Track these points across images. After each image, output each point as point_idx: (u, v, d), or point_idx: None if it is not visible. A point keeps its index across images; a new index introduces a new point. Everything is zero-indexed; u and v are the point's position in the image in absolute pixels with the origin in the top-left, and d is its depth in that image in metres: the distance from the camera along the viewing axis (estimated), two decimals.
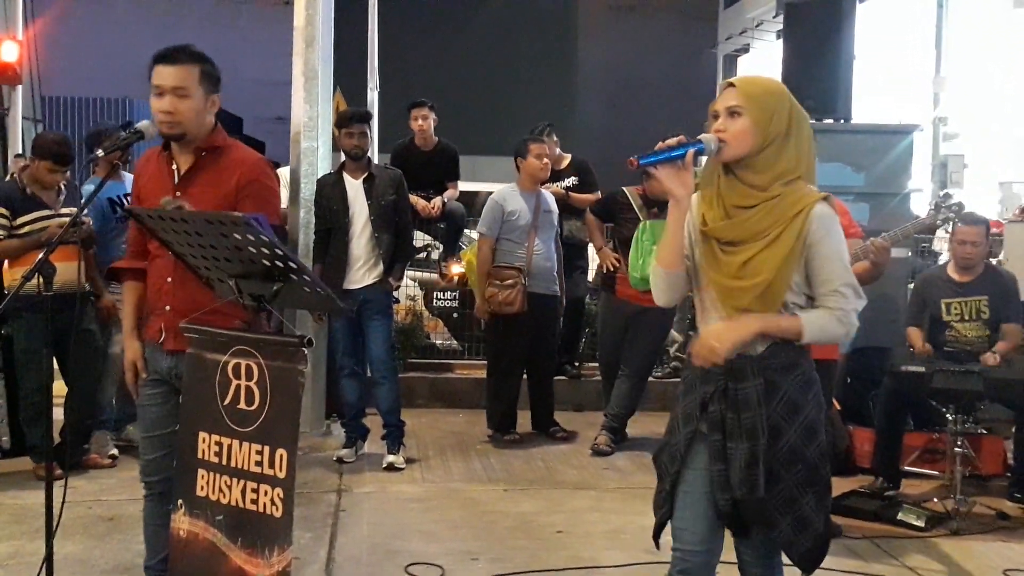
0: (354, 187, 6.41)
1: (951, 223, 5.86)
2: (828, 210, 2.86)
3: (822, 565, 4.72)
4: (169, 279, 3.54)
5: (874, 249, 5.03)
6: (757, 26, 27.04)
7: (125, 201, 6.40)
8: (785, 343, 2.88)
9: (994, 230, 8.17)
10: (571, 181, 7.94)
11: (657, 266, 2.98)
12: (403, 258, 6.62)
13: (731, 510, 2.92)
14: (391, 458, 6.44)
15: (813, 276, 2.87)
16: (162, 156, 3.61)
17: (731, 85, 2.91)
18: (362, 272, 6.36)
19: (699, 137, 2.86)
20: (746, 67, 30.09)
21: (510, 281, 6.83)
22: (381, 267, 6.36)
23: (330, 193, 6.43)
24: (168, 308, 3.52)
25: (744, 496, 2.88)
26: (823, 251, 2.84)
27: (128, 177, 6.59)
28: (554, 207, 7.17)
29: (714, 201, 2.91)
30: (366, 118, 6.60)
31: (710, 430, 2.92)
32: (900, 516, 5.38)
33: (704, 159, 2.93)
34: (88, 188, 6.20)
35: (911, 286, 6.90)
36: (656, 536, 3.11)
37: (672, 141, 2.87)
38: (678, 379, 7.98)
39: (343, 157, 6.52)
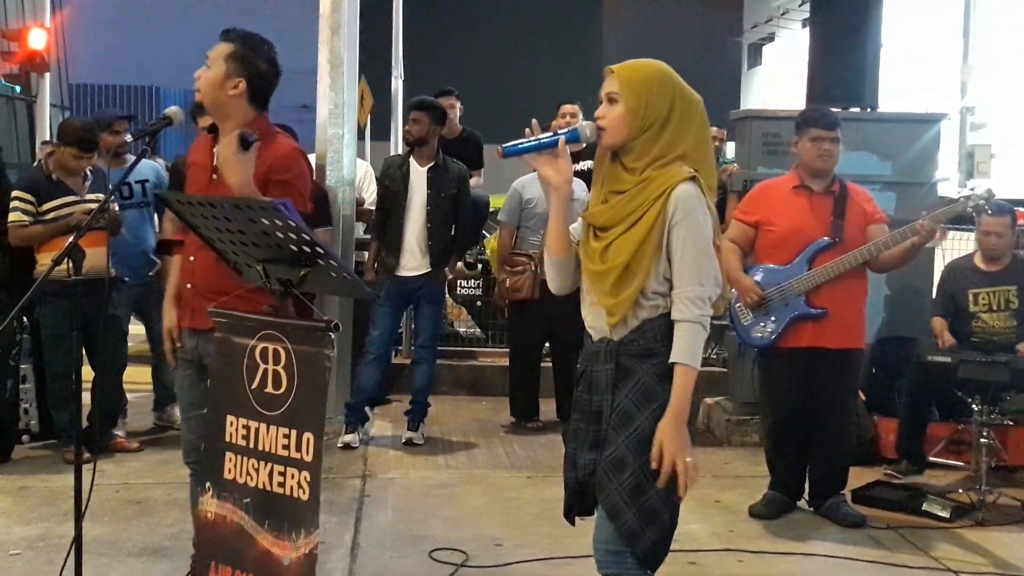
0: (418, 173, 6.52)
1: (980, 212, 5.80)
2: (691, 190, 2.78)
3: (847, 555, 4.76)
4: (192, 258, 3.64)
5: (925, 231, 5.01)
6: (783, 14, 26.88)
7: (138, 187, 6.46)
8: (641, 330, 2.82)
9: (1021, 221, 8.10)
10: None
11: (546, 252, 3.03)
12: (459, 250, 6.85)
13: (576, 489, 2.93)
14: (410, 434, 6.59)
15: (673, 265, 2.80)
16: (208, 138, 3.73)
17: (612, 72, 2.87)
18: (412, 259, 6.47)
19: (575, 125, 2.90)
20: (771, 55, 29.95)
21: (519, 268, 6.87)
22: (428, 258, 6.46)
23: (394, 174, 6.59)
24: (189, 286, 3.60)
25: (585, 479, 2.89)
26: (681, 234, 2.77)
27: (144, 163, 6.60)
28: (581, 195, 7.13)
29: (599, 187, 2.91)
30: (422, 106, 6.64)
31: (573, 410, 2.97)
32: (925, 507, 5.36)
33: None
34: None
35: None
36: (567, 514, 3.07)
37: (535, 124, 2.93)
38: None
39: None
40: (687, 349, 2.77)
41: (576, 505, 2.99)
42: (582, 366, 2.96)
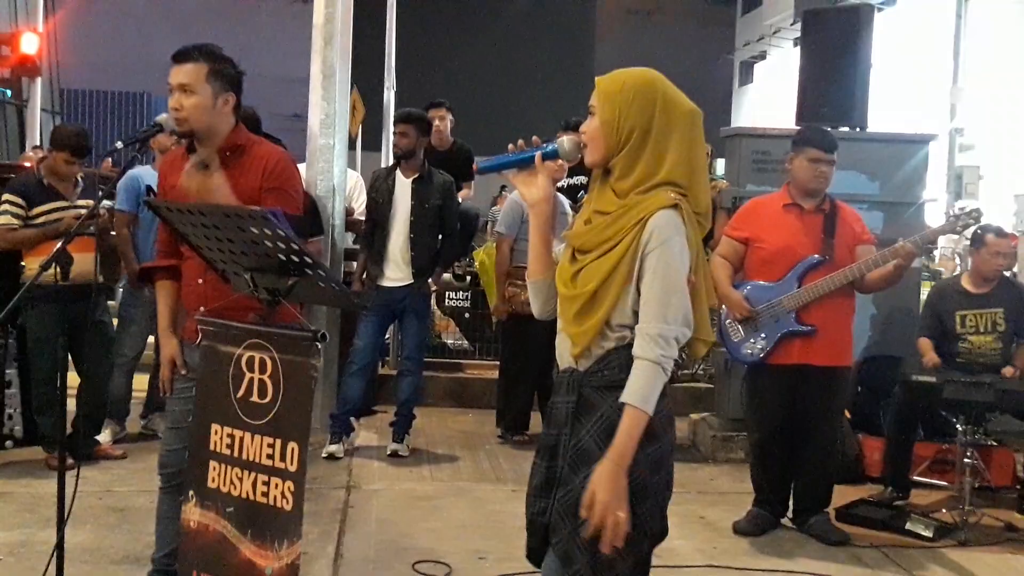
0: (403, 185, 6.55)
1: (970, 229, 5.83)
2: (672, 218, 2.55)
3: (829, 573, 4.77)
4: (201, 280, 3.61)
5: (904, 253, 5.05)
6: (774, 33, 27.05)
7: None
8: (607, 361, 2.60)
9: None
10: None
11: (527, 274, 2.87)
12: (444, 263, 6.83)
13: (530, 529, 2.74)
14: (395, 446, 6.59)
15: (642, 297, 2.56)
16: (186, 159, 3.67)
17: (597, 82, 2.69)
18: (395, 269, 6.49)
19: (557, 140, 2.75)
20: (763, 73, 30.09)
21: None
22: (412, 268, 6.47)
23: (380, 187, 6.64)
24: (202, 308, 3.55)
25: (534, 517, 2.70)
26: (652, 264, 2.53)
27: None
28: (568, 210, 7.10)
29: (587, 207, 2.74)
30: (408, 119, 6.66)
31: (540, 446, 2.78)
32: (908, 526, 5.37)
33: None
34: (136, 174, 6.22)
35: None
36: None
37: (522, 144, 2.78)
38: (681, 383, 7.99)
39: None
40: (639, 390, 2.51)
41: (534, 546, 2.77)
42: (551, 398, 2.78)
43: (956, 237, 9.16)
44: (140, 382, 6.82)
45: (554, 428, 2.69)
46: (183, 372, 3.71)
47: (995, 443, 6.32)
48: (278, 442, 3.08)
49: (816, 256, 5.18)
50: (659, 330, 2.52)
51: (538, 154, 2.71)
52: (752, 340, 5.27)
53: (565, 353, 2.70)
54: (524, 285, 6.79)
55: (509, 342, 7.29)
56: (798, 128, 6.16)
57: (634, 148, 2.59)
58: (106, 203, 6.13)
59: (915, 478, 6.15)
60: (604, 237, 2.61)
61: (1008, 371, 5.91)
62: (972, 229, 5.84)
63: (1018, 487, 6.11)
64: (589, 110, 2.67)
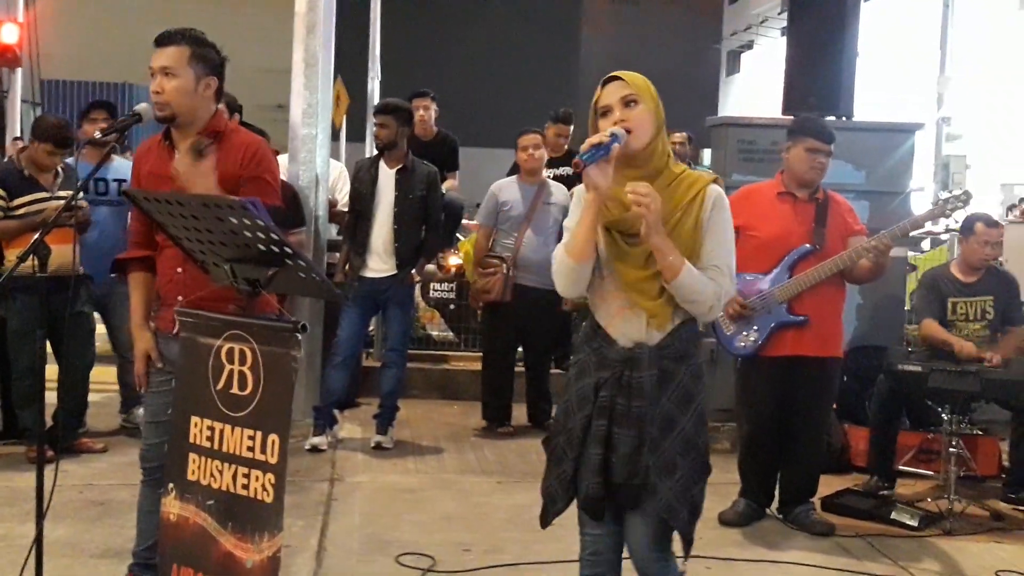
0: (386, 175, 6.51)
1: (959, 212, 5.79)
2: (720, 191, 3.01)
3: (815, 563, 4.77)
4: (179, 269, 3.56)
5: (881, 246, 5.02)
6: (762, 22, 27.09)
7: (114, 184, 6.33)
8: (677, 334, 2.98)
9: None
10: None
11: (567, 258, 2.98)
12: (428, 253, 6.78)
13: (600, 493, 2.99)
14: (379, 438, 6.55)
15: (702, 251, 2.96)
16: (163, 145, 3.63)
17: (617, 78, 2.99)
18: (378, 260, 6.46)
19: (611, 131, 2.89)
20: (750, 63, 30.11)
21: (491, 270, 6.86)
22: (395, 259, 6.44)
23: (363, 177, 6.60)
24: (180, 299, 3.50)
25: (624, 481, 2.96)
26: (711, 226, 2.97)
27: (121, 161, 6.48)
28: (561, 199, 7.00)
29: (613, 195, 2.96)
30: (386, 109, 6.61)
31: (597, 415, 2.99)
32: (894, 515, 5.36)
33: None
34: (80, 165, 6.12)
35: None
36: (544, 520, 3.16)
37: (596, 138, 2.88)
38: None
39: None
40: (694, 275, 2.89)
41: (596, 507, 3.04)
42: (604, 372, 2.98)
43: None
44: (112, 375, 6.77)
45: (637, 400, 2.94)
46: (159, 365, 3.66)
47: (980, 432, 6.33)
48: (259, 434, 3.05)
49: (807, 245, 5.14)
50: (719, 279, 2.95)
51: (616, 145, 2.86)
52: (745, 333, 5.23)
53: (631, 330, 2.98)
54: (483, 273, 6.86)
55: (487, 334, 7.28)
56: (784, 117, 6.13)
57: (663, 132, 3.02)
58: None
59: (900, 467, 6.15)
60: (662, 215, 2.88)
61: (991, 357, 5.84)
62: (963, 218, 5.81)
63: (1003, 476, 6.12)
64: (625, 100, 2.94)
